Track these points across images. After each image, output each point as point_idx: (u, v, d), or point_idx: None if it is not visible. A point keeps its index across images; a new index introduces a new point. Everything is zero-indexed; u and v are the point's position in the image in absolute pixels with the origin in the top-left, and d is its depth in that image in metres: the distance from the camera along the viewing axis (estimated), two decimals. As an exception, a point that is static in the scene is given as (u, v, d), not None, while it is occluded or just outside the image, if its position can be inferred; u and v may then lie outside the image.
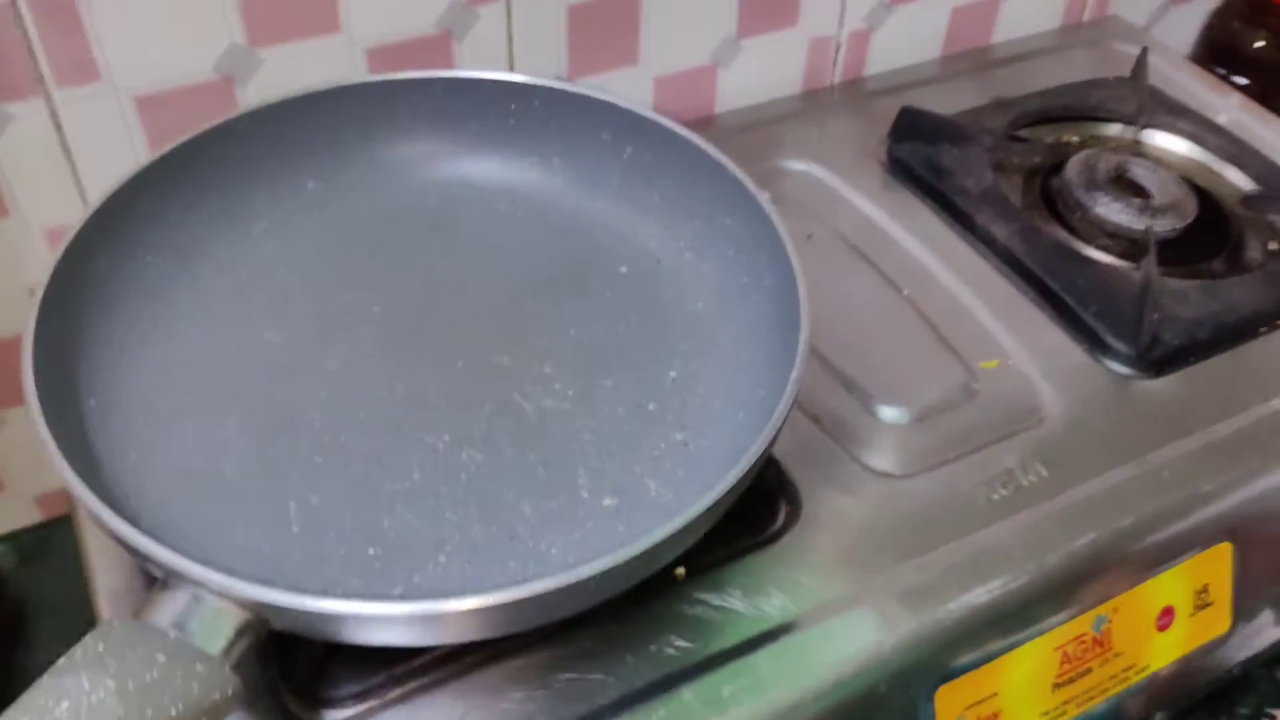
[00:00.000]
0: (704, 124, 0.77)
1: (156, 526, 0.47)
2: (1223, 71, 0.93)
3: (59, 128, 0.58)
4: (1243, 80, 0.92)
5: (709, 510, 0.43)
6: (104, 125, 0.59)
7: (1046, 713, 0.55)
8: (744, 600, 0.50)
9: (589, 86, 0.60)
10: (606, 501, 0.50)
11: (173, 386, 0.53)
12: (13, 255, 0.61)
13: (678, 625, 0.49)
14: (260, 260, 0.59)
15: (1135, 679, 0.57)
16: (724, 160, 0.57)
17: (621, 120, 0.60)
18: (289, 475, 0.50)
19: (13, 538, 0.74)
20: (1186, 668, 0.59)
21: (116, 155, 0.60)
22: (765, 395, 0.52)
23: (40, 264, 0.61)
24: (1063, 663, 0.55)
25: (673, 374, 0.55)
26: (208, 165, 0.58)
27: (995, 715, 0.53)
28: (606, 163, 0.62)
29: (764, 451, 0.45)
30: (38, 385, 0.46)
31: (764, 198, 0.55)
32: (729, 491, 0.44)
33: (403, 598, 0.42)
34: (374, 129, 0.62)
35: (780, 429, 0.46)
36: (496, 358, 0.55)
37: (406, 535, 0.48)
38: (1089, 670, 0.55)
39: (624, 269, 0.60)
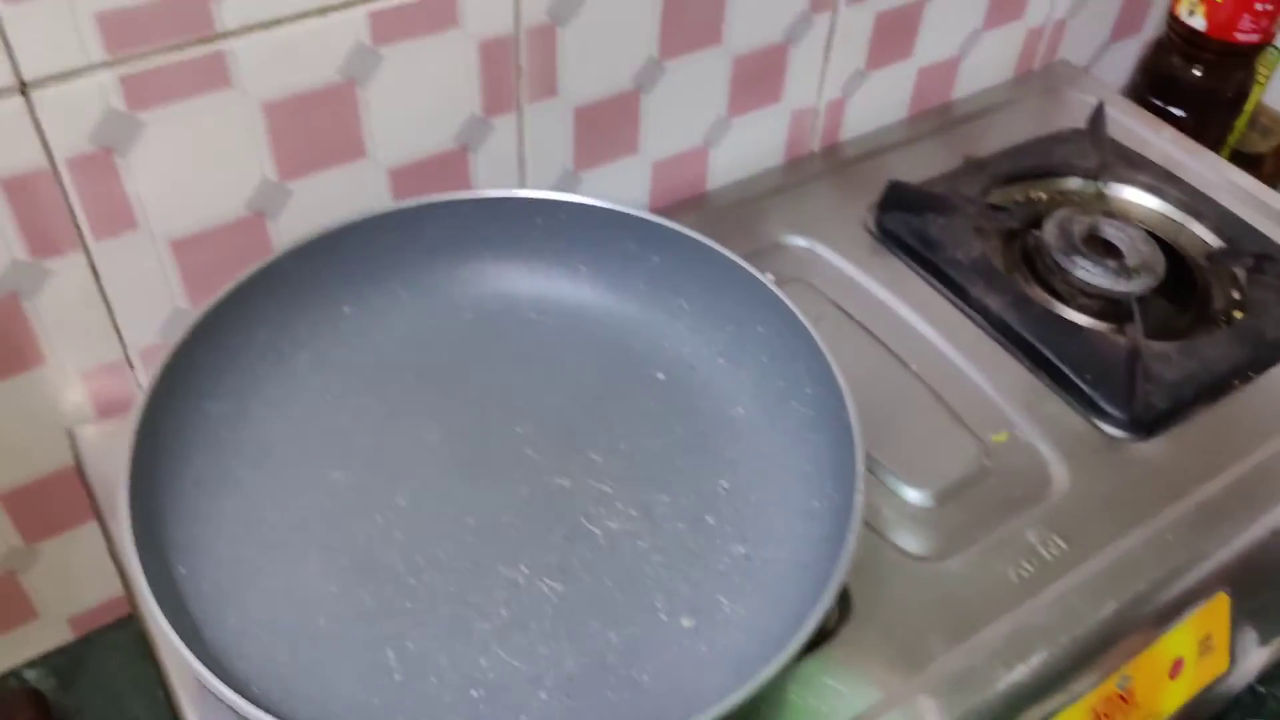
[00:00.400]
0: (696, 202, 0.80)
1: (267, 691, 0.49)
2: (1159, 103, 0.99)
3: (97, 277, 0.58)
4: (1179, 112, 0.98)
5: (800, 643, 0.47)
6: (141, 271, 0.59)
7: (1080, 766, 0.60)
8: (803, 702, 0.54)
9: (613, 200, 0.63)
10: (685, 622, 0.53)
11: (250, 538, 0.54)
12: (50, 399, 0.62)
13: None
14: (309, 395, 0.60)
15: (1152, 724, 0.63)
16: (755, 273, 0.60)
17: (647, 231, 0.63)
18: (382, 623, 0.52)
19: (48, 660, 0.74)
20: (1192, 706, 0.65)
21: (154, 297, 0.61)
22: (819, 506, 0.56)
23: (76, 406, 0.62)
24: (1093, 720, 0.60)
25: (724, 484, 0.58)
26: (253, 305, 0.59)
27: (1038, 776, 0.58)
28: (633, 271, 0.64)
29: (841, 584, 0.49)
30: (145, 570, 0.47)
31: (800, 311, 0.58)
32: (814, 625, 0.47)
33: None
34: (405, 251, 0.63)
35: (850, 560, 0.49)
36: (557, 480, 0.58)
37: (505, 674, 0.51)
38: (1115, 723, 0.61)
39: (661, 375, 0.63)
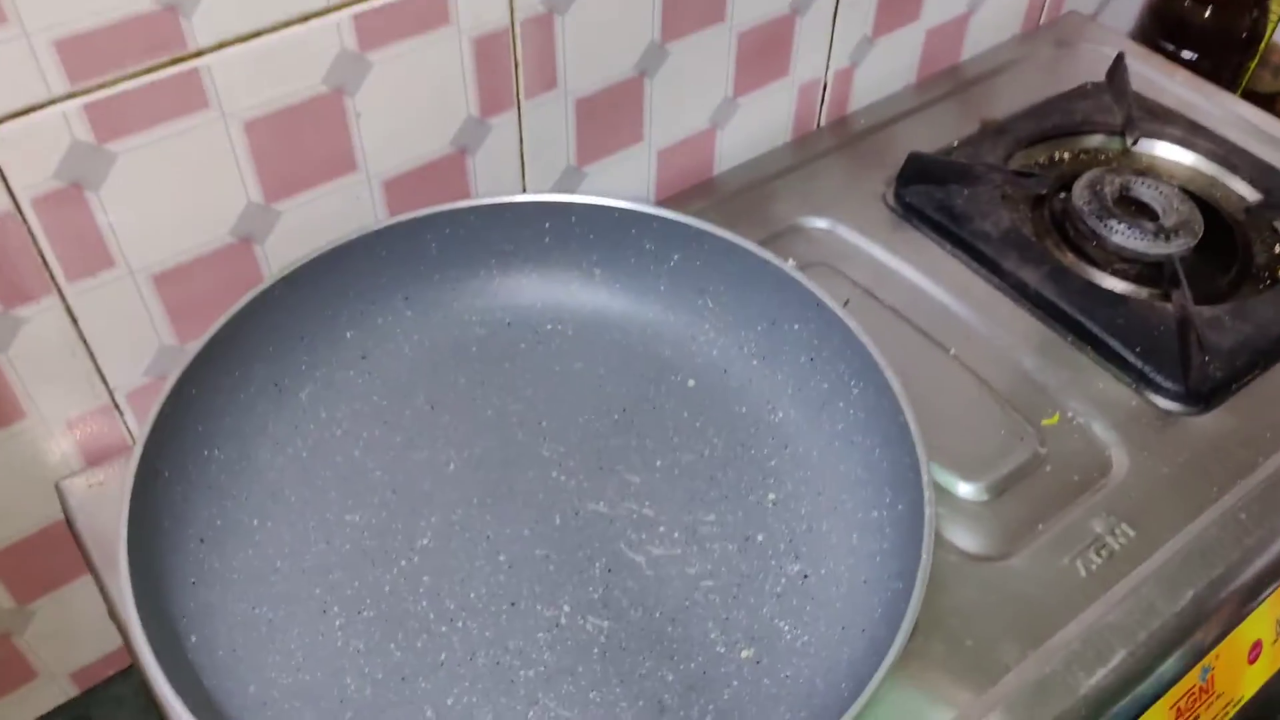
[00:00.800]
0: (704, 188, 0.75)
1: (300, 768, 0.45)
2: (1170, 47, 0.95)
3: (75, 321, 0.54)
4: (1191, 55, 0.94)
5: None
6: (122, 310, 0.55)
7: (1162, 764, 0.57)
8: (886, 725, 0.51)
9: (621, 196, 0.58)
10: (744, 653, 0.49)
11: (265, 595, 0.50)
12: (33, 453, 0.57)
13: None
14: (316, 430, 0.56)
15: (1232, 712, 0.59)
16: (786, 267, 0.56)
17: (665, 229, 0.59)
18: (416, 679, 0.48)
19: (53, 717, 0.70)
20: (1269, 686, 0.61)
21: (137, 336, 0.56)
22: (879, 517, 0.52)
23: (62, 457, 0.57)
24: (1176, 717, 0.56)
25: (771, 497, 0.54)
26: (248, 338, 0.54)
27: (1122, 781, 0.55)
28: (652, 271, 0.60)
29: (919, 605, 0.45)
30: (153, 648, 0.43)
31: (840, 308, 0.54)
32: (896, 654, 0.43)
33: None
34: (406, 268, 0.59)
35: (927, 577, 0.45)
36: (592, 505, 0.54)
37: (556, 727, 0.47)
38: (1198, 717, 0.58)
39: (692, 383, 0.58)
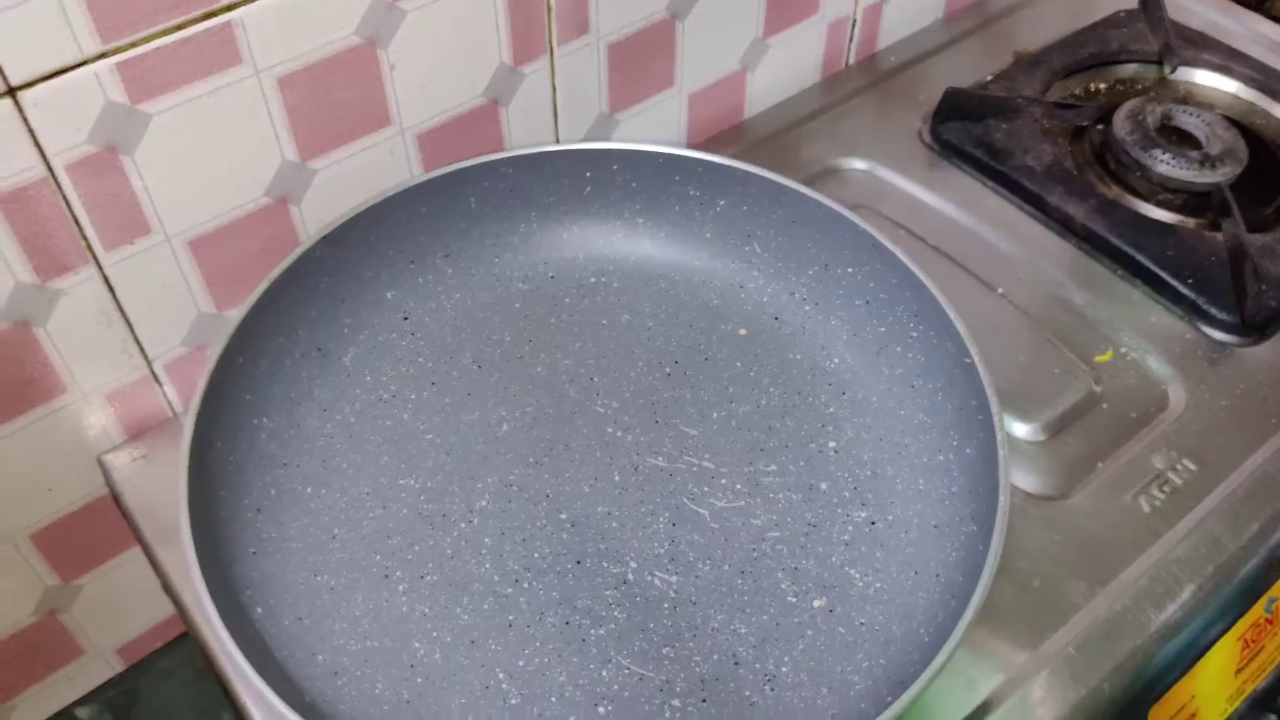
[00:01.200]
0: (736, 133, 0.73)
1: (377, 736, 0.44)
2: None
3: (111, 291, 0.52)
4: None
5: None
6: (158, 277, 0.53)
7: (1230, 697, 0.57)
8: (957, 676, 0.50)
9: (671, 145, 0.57)
10: (816, 603, 0.48)
11: (326, 563, 0.49)
12: (74, 428, 0.56)
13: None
14: (363, 394, 0.54)
15: (1296, 643, 0.59)
16: (841, 209, 0.55)
17: (710, 174, 0.57)
18: (485, 642, 0.47)
19: (101, 693, 0.69)
20: (1331, 616, 0.61)
21: (175, 304, 0.55)
22: (945, 460, 0.51)
23: (102, 430, 0.56)
24: (1243, 649, 0.56)
25: (832, 445, 0.53)
26: (289, 302, 0.53)
27: (1193, 715, 0.55)
28: (696, 219, 0.59)
29: (1000, 550, 0.44)
30: (226, 625, 0.42)
31: (899, 249, 0.53)
32: (980, 600, 0.43)
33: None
34: (445, 224, 0.57)
35: (1005, 521, 0.45)
36: (651, 460, 0.53)
37: (631, 685, 0.46)
38: (1262, 649, 0.57)
39: (743, 331, 0.57)
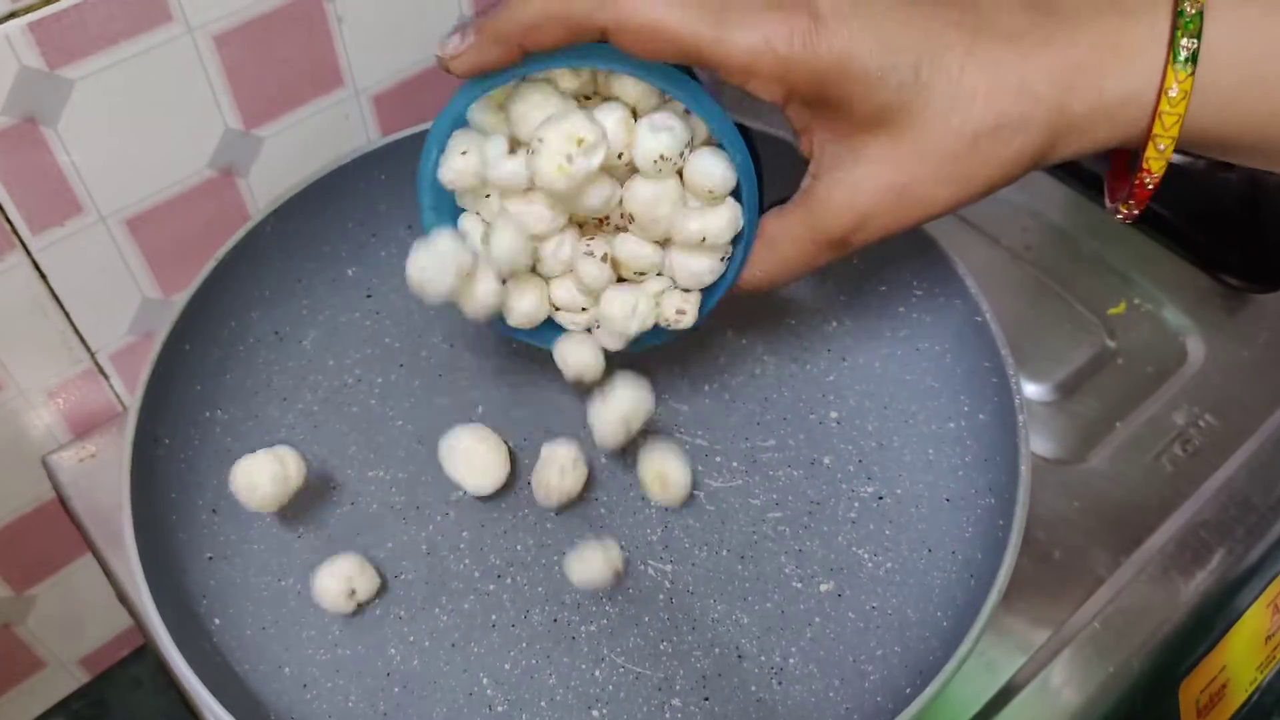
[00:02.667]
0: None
1: (352, 754, 0.40)
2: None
3: (43, 277, 0.48)
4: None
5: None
6: (95, 261, 0.49)
7: (1260, 665, 0.54)
8: (976, 658, 0.46)
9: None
10: (823, 587, 0.45)
11: (291, 566, 0.45)
12: (14, 427, 0.52)
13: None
14: (325, 380, 0.50)
15: (1329, 604, 0.56)
16: (833, 162, 0.51)
17: (691, 129, 0.53)
18: (467, 645, 0.43)
19: (66, 706, 0.65)
20: (1362, 574, 0.58)
21: (116, 290, 0.50)
22: (955, 428, 0.47)
23: (46, 429, 0.52)
24: (1274, 614, 0.53)
25: (834, 415, 0.49)
26: (241, 283, 0.49)
27: (1224, 686, 0.52)
28: (678, 177, 0.54)
29: (1024, 523, 0.40)
30: (176, 641, 0.38)
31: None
32: (1005, 579, 0.39)
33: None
34: (406, 193, 0.52)
35: (1029, 492, 0.41)
36: (640, 439, 0.49)
37: (627, 685, 0.42)
38: (1295, 613, 0.54)
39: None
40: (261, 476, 0.42)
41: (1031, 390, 0.55)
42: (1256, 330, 0.57)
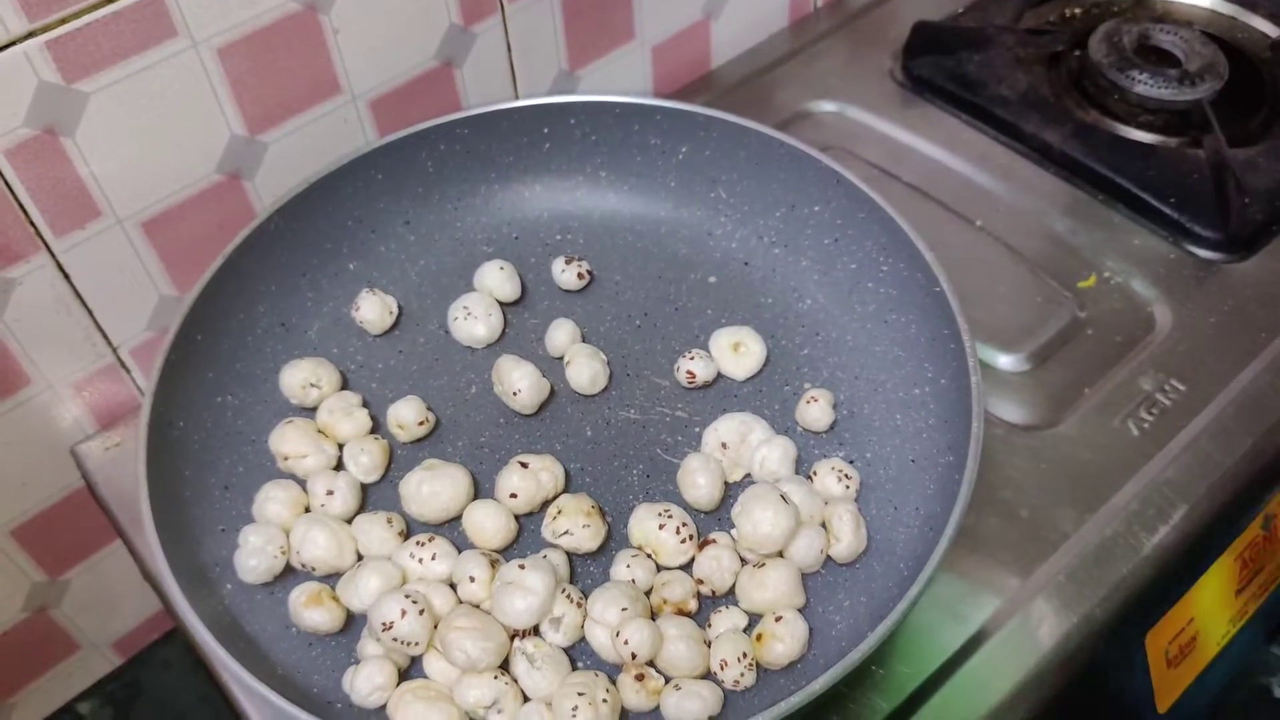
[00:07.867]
0: (703, 83, 0.72)
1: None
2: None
3: (67, 277, 0.52)
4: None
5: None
6: (115, 261, 0.52)
7: (1232, 618, 0.56)
8: (946, 611, 0.48)
9: (631, 94, 0.56)
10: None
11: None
12: (44, 420, 0.55)
13: (893, 652, 0.48)
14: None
15: (1298, 560, 0.58)
16: (803, 147, 0.53)
17: (670, 121, 0.56)
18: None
19: (101, 688, 0.69)
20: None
21: (134, 288, 0.54)
22: (920, 394, 0.50)
23: (74, 421, 0.56)
24: (1241, 569, 0.55)
25: (808, 387, 0.52)
26: (247, 277, 0.52)
27: (1193, 639, 0.54)
28: (659, 168, 0.58)
29: (974, 479, 0.43)
30: (185, 591, 0.41)
31: (863, 182, 0.52)
32: (952, 533, 0.42)
33: None
34: (403, 190, 0.56)
35: (979, 450, 0.43)
36: (623, 413, 0.52)
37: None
38: (1262, 568, 0.56)
39: (713, 279, 0.56)
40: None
41: (1005, 360, 0.57)
42: (1223, 298, 0.59)
